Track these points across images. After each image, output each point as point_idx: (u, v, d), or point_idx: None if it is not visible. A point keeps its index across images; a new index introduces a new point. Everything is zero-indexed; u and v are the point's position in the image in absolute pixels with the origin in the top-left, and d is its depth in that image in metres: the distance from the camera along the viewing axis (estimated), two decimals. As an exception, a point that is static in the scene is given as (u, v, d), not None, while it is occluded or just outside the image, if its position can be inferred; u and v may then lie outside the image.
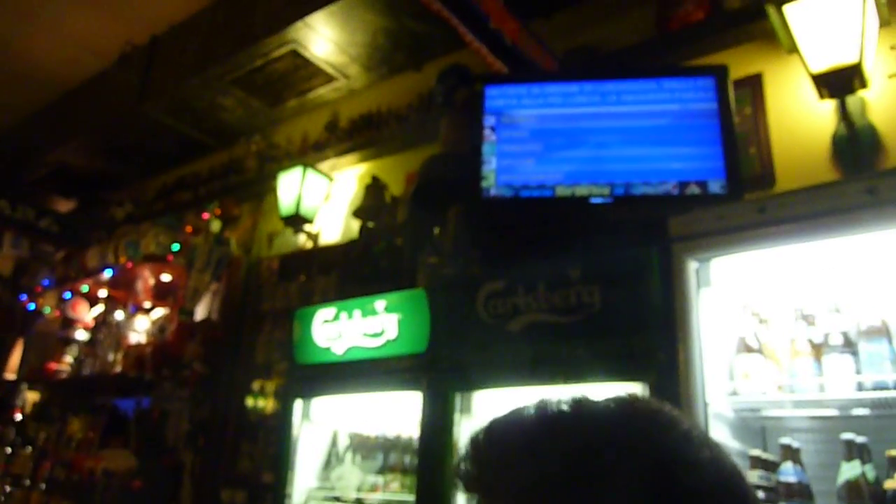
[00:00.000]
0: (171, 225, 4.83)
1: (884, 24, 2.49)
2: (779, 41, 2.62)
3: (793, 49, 2.48)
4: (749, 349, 2.08)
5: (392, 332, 2.58)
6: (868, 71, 2.37)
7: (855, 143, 2.44)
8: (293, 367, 2.93)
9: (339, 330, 2.76)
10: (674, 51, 2.94)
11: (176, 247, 4.64)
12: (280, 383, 3.69)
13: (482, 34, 2.61)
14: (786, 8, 2.41)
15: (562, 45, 3.24)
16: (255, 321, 4.10)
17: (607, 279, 2.13)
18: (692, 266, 2.03)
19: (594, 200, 2.46)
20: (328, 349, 2.78)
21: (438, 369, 2.41)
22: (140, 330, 4.93)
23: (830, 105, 2.54)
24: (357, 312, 2.72)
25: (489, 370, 2.29)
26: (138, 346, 4.70)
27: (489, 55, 2.70)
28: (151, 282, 5.00)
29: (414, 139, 3.75)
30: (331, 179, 4.14)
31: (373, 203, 3.63)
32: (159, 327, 4.73)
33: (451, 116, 3.14)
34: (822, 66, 2.36)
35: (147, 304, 5.02)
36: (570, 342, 2.13)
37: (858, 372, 1.89)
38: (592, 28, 3.32)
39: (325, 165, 4.12)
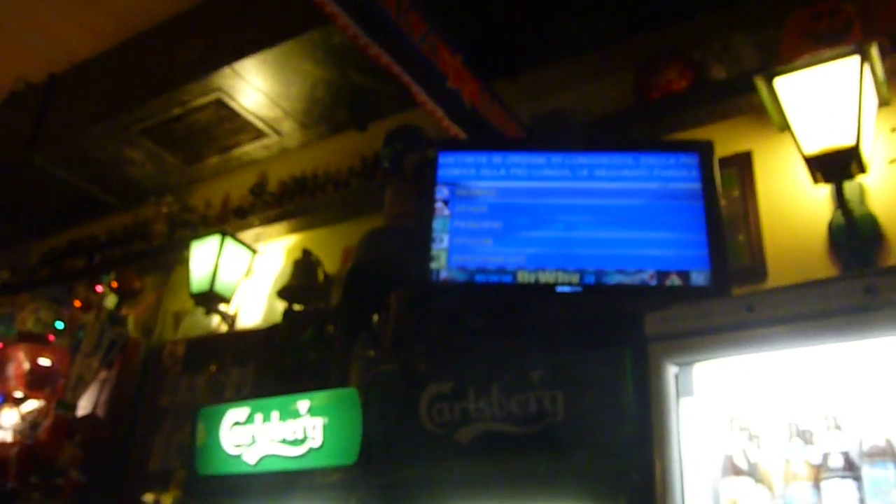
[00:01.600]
0: (57, 298, 4.70)
1: (883, 103, 2.64)
2: (769, 117, 2.74)
3: (784, 127, 2.60)
4: (737, 471, 2.06)
5: (317, 439, 2.52)
6: (867, 155, 2.48)
7: (853, 235, 2.52)
8: (193, 479, 2.82)
9: (252, 434, 2.68)
10: (654, 123, 3.07)
11: (60, 325, 4.50)
12: (178, 496, 3.54)
13: (437, 94, 2.68)
14: (776, 82, 2.54)
15: (528, 109, 3.35)
16: (152, 419, 3.96)
17: (573, 383, 2.13)
18: (671, 371, 2.03)
19: (560, 289, 2.49)
20: (238, 457, 2.69)
21: (370, 486, 2.34)
22: (6, 426, 4.69)
23: (826, 191, 2.64)
24: (275, 414, 2.65)
25: (432, 490, 2.24)
26: (2, 445, 4.47)
27: (445, 118, 2.76)
28: (26, 366, 4.79)
29: (354, 209, 3.79)
30: (254, 251, 4.11)
31: (302, 282, 3.60)
32: (31, 423, 4.52)
33: (399, 185, 3.19)
34: (815, 147, 2.47)
35: (18, 394, 4.79)
36: (529, 457, 2.11)
37: (862, 501, 1.89)
38: (563, 93, 3.44)
39: (248, 235, 4.10)
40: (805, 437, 2.08)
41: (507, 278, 2.53)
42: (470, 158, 2.74)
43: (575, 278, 2.49)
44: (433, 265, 2.58)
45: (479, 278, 2.55)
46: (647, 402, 1.99)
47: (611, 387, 2.08)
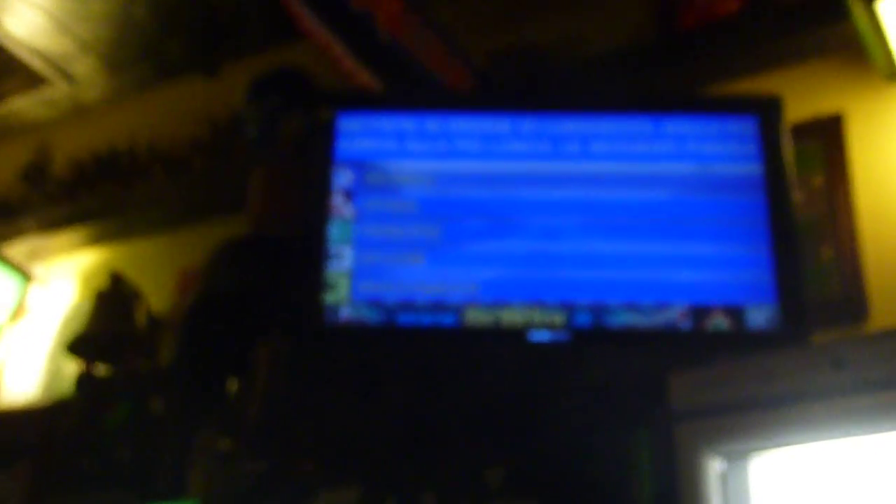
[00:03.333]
0: None
1: None
2: (870, 59, 2.81)
3: (893, 74, 2.67)
4: None
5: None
6: None
7: None
8: None
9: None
10: (686, 67, 3.13)
11: None
12: None
13: (335, 18, 2.70)
14: (879, 4, 2.60)
15: (484, 44, 3.39)
16: None
17: (555, 490, 2.15)
18: (714, 468, 2.05)
19: (536, 336, 2.51)
20: None
21: None
22: None
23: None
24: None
25: None
26: None
27: (347, 56, 2.76)
28: None
29: (198, 205, 3.81)
30: (27, 277, 4.06)
31: (110, 327, 3.56)
32: None
33: (272, 167, 3.21)
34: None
35: None
36: None
37: None
38: (544, 19, 3.48)
39: (17, 248, 4.05)
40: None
41: (449, 319, 2.53)
42: (388, 123, 2.74)
43: (559, 318, 2.50)
44: (328, 298, 2.57)
45: (404, 319, 2.54)
46: (676, 520, 2.03)
47: (615, 493, 2.11)
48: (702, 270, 2.53)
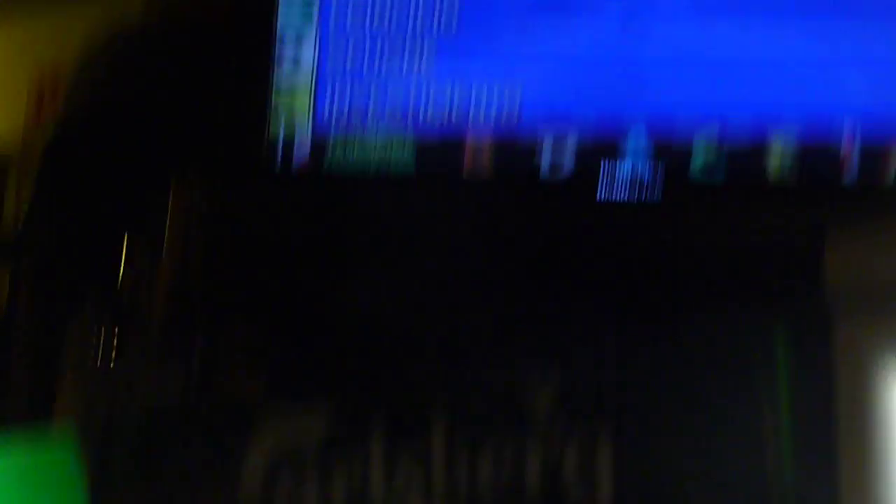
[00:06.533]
0: None
1: None
2: None
3: None
4: None
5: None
6: None
7: None
8: None
9: None
10: None
11: None
12: None
13: None
14: None
15: None
16: None
17: (635, 424, 2.20)
18: (888, 379, 2.10)
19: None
20: None
21: None
22: None
23: None
24: None
25: None
26: None
27: None
28: None
29: None
30: None
31: None
32: None
33: None
34: None
35: None
36: None
37: None
38: None
39: None
40: None
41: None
42: None
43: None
44: (277, 128, 2.48)
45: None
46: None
47: (737, 421, 2.10)
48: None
